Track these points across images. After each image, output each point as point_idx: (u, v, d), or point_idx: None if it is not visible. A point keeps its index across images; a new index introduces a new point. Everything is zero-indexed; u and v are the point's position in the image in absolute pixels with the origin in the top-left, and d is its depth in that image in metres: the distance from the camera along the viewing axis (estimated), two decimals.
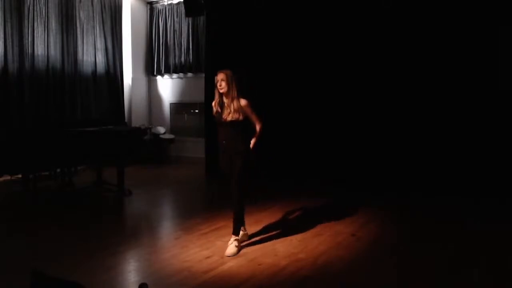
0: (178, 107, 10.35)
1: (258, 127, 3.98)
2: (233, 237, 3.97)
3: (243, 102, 3.85)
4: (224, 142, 3.94)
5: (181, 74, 10.10)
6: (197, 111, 9.97)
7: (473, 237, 4.33)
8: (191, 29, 9.67)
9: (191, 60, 9.78)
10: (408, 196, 5.94)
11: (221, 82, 3.82)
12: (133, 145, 6.80)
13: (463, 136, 5.94)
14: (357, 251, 3.97)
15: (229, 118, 3.83)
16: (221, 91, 3.85)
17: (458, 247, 4.06)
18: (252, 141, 4.03)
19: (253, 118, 3.94)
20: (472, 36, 5.83)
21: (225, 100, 3.88)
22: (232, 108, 3.82)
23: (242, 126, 3.90)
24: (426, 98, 6.17)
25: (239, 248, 3.95)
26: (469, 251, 3.95)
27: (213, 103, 3.99)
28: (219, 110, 3.91)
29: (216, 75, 3.88)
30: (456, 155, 5.96)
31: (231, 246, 3.91)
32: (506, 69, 5.67)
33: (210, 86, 8.16)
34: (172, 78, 10.27)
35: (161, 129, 9.80)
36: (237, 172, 3.90)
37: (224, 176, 4.12)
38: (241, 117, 3.84)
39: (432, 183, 6.01)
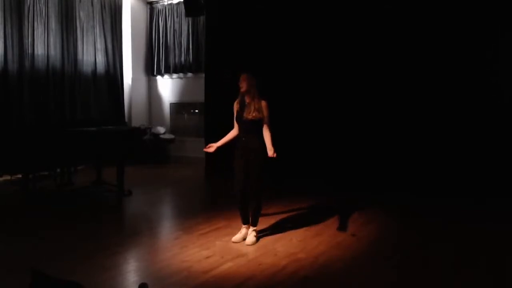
0: (178, 107, 10.35)
1: (268, 132, 4.12)
2: (251, 228, 4.25)
3: (263, 103, 4.12)
4: (243, 139, 4.15)
5: (181, 74, 10.10)
6: (197, 111, 9.97)
7: (473, 237, 4.33)
8: (191, 29, 9.68)
9: (191, 60, 9.79)
10: (408, 196, 5.93)
11: (242, 82, 4.11)
12: (133, 145, 6.79)
13: (463, 137, 5.93)
14: (357, 251, 3.97)
15: (250, 116, 4.06)
16: (241, 90, 4.11)
17: (458, 247, 4.06)
18: (270, 142, 4.08)
19: (266, 120, 4.11)
20: (474, 36, 5.83)
21: (246, 99, 4.12)
22: (253, 107, 4.07)
23: (261, 125, 4.12)
24: (426, 100, 6.17)
25: (258, 238, 4.23)
26: (469, 251, 3.95)
27: (235, 102, 4.23)
28: (239, 109, 4.17)
29: (240, 75, 4.15)
30: (457, 155, 5.95)
31: (250, 236, 4.20)
32: (505, 70, 5.67)
33: (210, 86, 8.25)
34: (172, 78, 10.27)
35: (161, 129, 9.80)
36: (256, 168, 4.10)
37: (234, 170, 4.20)
38: (261, 116, 4.08)
39: (432, 183, 6.00)
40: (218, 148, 4.24)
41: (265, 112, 4.10)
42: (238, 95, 4.19)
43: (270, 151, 4.05)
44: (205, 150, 4.30)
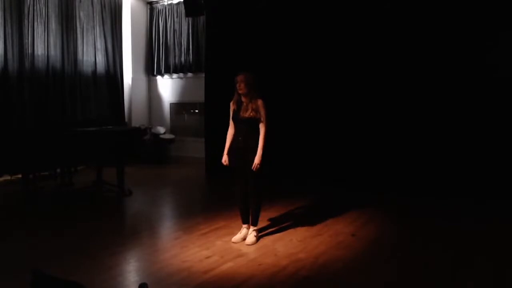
0: (178, 107, 10.36)
1: (262, 131, 4.06)
2: (252, 228, 4.25)
3: (259, 101, 4.07)
4: (240, 138, 4.13)
5: (181, 74, 10.11)
6: (197, 111, 9.97)
7: (473, 237, 4.33)
8: (191, 29, 9.68)
9: (191, 60, 9.79)
10: (408, 196, 5.94)
11: (241, 84, 4.04)
12: (133, 145, 6.79)
13: (463, 137, 5.93)
14: (357, 251, 3.98)
15: (246, 115, 4.04)
16: (240, 92, 4.06)
17: (457, 247, 4.06)
18: (260, 145, 4.04)
19: (262, 119, 4.05)
20: (474, 36, 5.82)
21: (243, 99, 4.10)
22: (250, 107, 4.04)
23: (258, 124, 4.08)
24: (426, 100, 6.16)
25: (258, 238, 4.22)
26: (469, 251, 3.95)
27: (231, 102, 4.20)
28: (235, 108, 4.15)
29: (236, 76, 4.09)
30: (456, 155, 5.95)
31: (251, 236, 4.19)
32: (506, 70, 5.67)
33: (210, 86, 8.24)
34: (172, 78, 10.28)
35: (161, 129, 9.80)
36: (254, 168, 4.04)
37: (233, 171, 4.22)
38: (258, 116, 4.05)
39: (432, 184, 6.00)
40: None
41: (262, 110, 4.05)
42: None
43: (256, 160, 3.99)
44: (224, 163, 4.23)
